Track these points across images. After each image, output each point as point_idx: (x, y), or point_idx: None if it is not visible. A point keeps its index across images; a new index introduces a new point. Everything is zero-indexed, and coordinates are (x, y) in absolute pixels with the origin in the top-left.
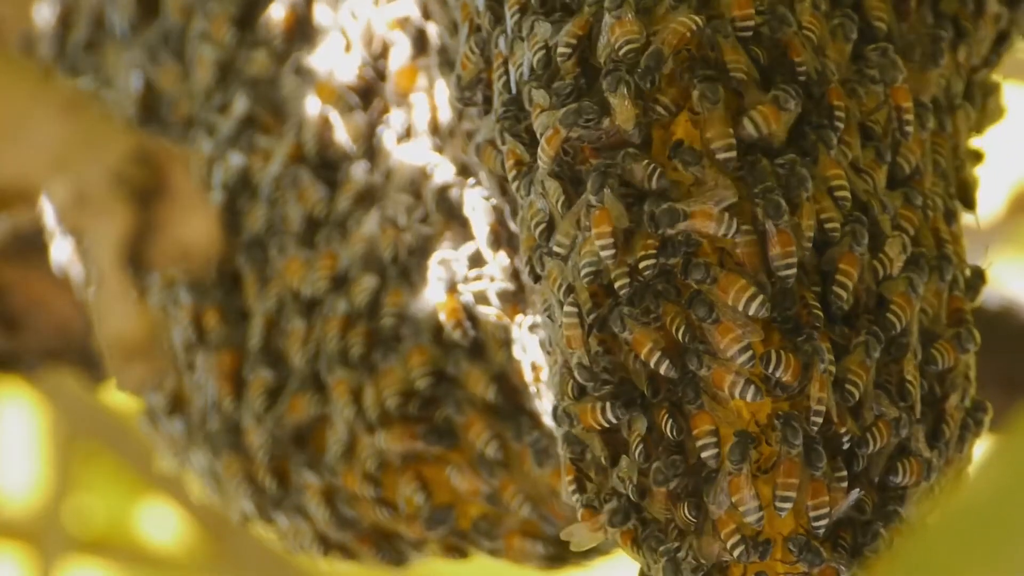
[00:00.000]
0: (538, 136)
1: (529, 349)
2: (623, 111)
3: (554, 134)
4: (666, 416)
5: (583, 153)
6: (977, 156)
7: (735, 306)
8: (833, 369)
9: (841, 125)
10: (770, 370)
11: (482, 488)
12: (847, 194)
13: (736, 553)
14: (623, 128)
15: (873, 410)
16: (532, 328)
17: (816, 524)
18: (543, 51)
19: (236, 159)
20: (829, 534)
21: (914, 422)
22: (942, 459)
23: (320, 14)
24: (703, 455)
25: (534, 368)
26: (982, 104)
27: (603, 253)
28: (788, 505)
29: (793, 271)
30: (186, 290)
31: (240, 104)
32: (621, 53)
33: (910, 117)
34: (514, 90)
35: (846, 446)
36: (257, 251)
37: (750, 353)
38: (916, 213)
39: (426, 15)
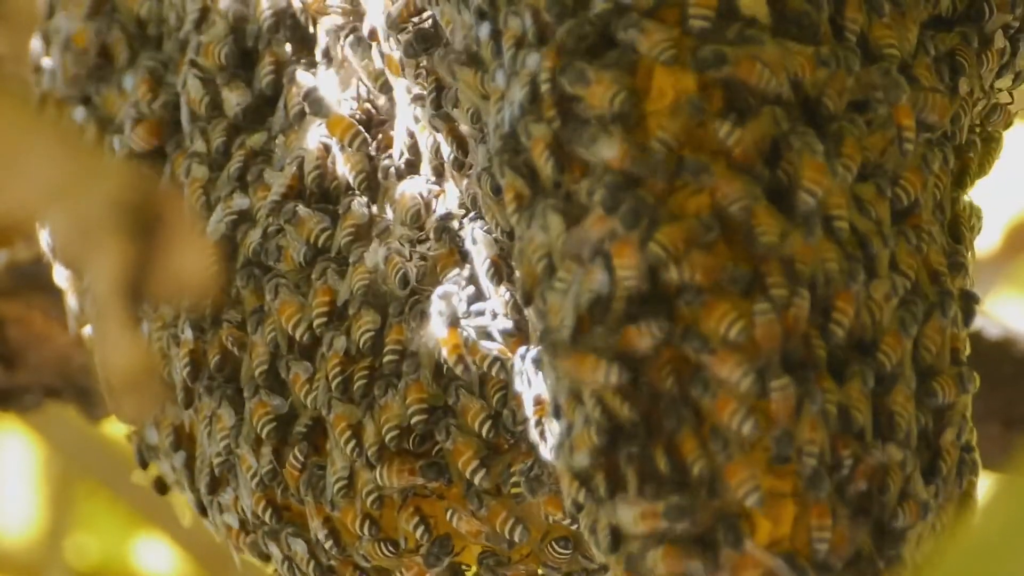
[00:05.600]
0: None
1: (534, 384)
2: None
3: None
4: (661, 451)
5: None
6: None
7: (723, 335)
8: (831, 409)
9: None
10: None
11: (482, 528)
12: (845, 225)
13: None
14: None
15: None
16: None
17: (817, 546)
18: (529, 86)
19: (240, 201)
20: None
21: (912, 458)
22: (940, 496)
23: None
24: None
25: (537, 402)
26: (982, 143)
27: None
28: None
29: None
30: (187, 325)
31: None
32: (615, 107)
33: (911, 135)
34: (508, 128)
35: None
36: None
37: (752, 376)
38: (914, 252)
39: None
